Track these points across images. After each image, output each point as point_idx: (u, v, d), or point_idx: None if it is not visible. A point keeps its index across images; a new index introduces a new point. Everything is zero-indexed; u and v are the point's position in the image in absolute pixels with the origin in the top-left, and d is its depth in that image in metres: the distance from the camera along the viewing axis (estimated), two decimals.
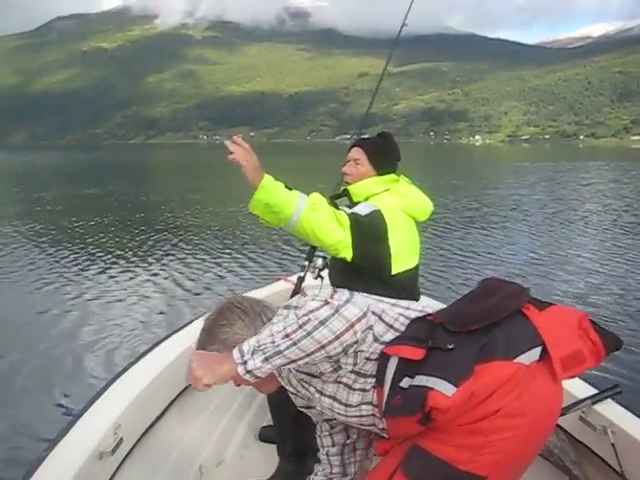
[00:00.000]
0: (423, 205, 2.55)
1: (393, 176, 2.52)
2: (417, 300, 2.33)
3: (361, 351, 1.43)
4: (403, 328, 1.45)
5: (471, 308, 1.40)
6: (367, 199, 2.44)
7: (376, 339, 1.43)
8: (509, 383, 1.28)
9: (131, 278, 8.66)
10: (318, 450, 1.90)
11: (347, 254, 2.21)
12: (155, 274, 8.88)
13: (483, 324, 1.34)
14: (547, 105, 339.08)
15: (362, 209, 2.31)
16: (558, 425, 2.12)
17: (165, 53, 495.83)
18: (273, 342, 1.31)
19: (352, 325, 1.29)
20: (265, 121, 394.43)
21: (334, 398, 1.52)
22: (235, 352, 1.35)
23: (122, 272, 9.03)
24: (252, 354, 1.32)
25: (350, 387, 1.48)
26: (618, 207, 17.15)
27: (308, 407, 1.75)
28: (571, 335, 1.37)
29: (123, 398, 2.15)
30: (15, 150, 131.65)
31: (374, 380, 1.43)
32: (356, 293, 1.37)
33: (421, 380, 1.28)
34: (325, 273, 2.77)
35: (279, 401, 2.29)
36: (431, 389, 1.25)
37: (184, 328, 2.90)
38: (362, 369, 1.45)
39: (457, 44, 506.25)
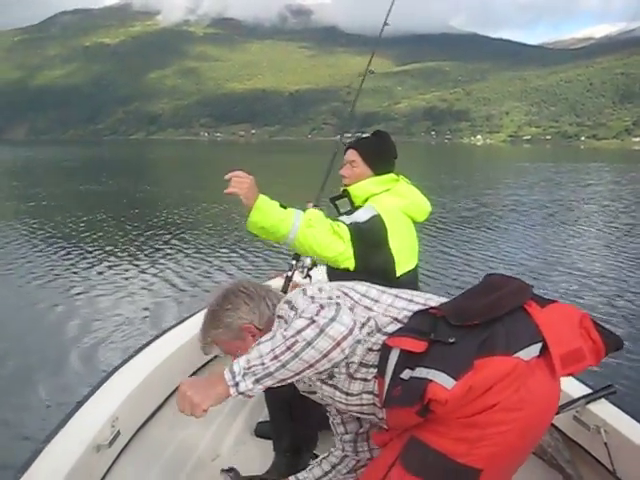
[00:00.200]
0: (422, 206, 2.56)
1: (392, 176, 2.53)
2: None
3: (352, 362, 1.48)
4: (406, 320, 1.48)
5: (474, 303, 1.41)
6: (367, 199, 2.45)
7: (379, 330, 1.46)
8: (508, 378, 1.29)
9: (125, 274, 8.62)
10: (314, 446, 1.94)
11: (349, 264, 2.24)
12: (149, 270, 8.84)
13: (485, 319, 1.35)
14: (549, 106, 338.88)
15: (361, 215, 2.32)
16: (552, 424, 2.13)
17: (167, 49, 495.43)
18: (263, 364, 1.32)
19: (338, 343, 1.30)
20: (266, 119, 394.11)
21: (335, 387, 1.55)
22: (226, 373, 1.36)
23: (116, 268, 9.00)
24: (243, 376, 1.33)
25: (352, 376, 1.50)
26: (615, 209, 17.11)
27: (310, 392, 1.75)
28: (572, 333, 1.38)
29: (121, 391, 2.16)
30: (16, 145, 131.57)
31: (376, 370, 1.46)
32: (343, 306, 1.36)
33: (421, 372, 1.30)
34: (314, 272, 2.74)
35: (275, 397, 2.31)
36: (431, 381, 1.26)
37: (182, 323, 2.91)
38: (364, 359, 1.48)
39: (459, 44, 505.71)
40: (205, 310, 1.74)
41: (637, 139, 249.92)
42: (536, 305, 1.42)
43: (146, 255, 9.96)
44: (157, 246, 10.79)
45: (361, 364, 1.47)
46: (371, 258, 2.17)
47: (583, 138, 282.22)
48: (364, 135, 2.69)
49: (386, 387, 1.40)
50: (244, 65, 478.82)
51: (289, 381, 1.36)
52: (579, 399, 2.09)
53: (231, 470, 1.78)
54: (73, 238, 11.58)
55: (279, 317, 1.55)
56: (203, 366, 2.82)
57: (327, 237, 2.18)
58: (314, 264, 2.82)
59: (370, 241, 2.27)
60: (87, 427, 1.93)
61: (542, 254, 10.35)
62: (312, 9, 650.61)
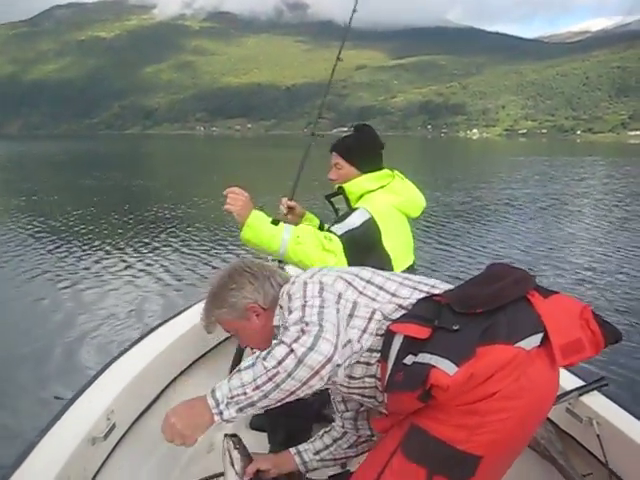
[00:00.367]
0: (416, 202, 2.58)
1: (387, 171, 2.53)
2: None
3: (334, 382, 1.50)
4: (411, 307, 1.49)
5: (478, 291, 1.42)
6: (362, 196, 2.47)
7: (385, 317, 1.48)
8: (508, 367, 1.31)
9: (113, 268, 8.59)
10: (309, 439, 1.92)
11: None
12: (137, 265, 8.80)
13: (488, 308, 1.37)
14: (545, 100, 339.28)
15: (355, 221, 2.34)
16: None
17: (162, 43, 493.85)
18: (245, 393, 1.34)
19: (317, 372, 1.31)
20: (262, 113, 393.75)
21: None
22: (210, 400, 1.38)
23: (105, 262, 8.96)
24: (227, 405, 1.36)
25: (355, 360, 1.51)
26: (609, 202, 17.10)
27: None
28: (572, 324, 1.40)
29: (116, 384, 2.17)
30: (9, 140, 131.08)
31: (379, 355, 1.47)
32: (326, 327, 1.35)
33: (424, 358, 1.31)
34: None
35: None
36: (433, 367, 1.28)
37: (178, 315, 2.93)
38: (367, 344, 1.49)
39: (455, 37, 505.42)
40: (208, 290, 1.72)
41: (633, 133, 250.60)
42: (539, 295, 1.44)
43: (135, 250, 9.91)
44: (146, 240, 10.73)
45: (367, 349, 1.49)
46: (366, 261, 2.10)
47: (579, 132, 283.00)
48: (345, 135, 2.67)
49: (388, 372, 1.41)
50: (240, 59, 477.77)
51: (272, 406, 1.37)
52: (572, 391, 2.12)
53: (234, 435, 1.79)
54: (63, 232, 11.53)
55: (280, 307, 1.56)
56: (199, 359, 2.82)
57: (317, 253, 2.21)
58: None
59: (364, 244, 2.29)
60: (82, 420, 1.93)
61: (534, 248, 10.32)
62: (308, 3, 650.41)
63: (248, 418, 2.73)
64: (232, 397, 1.35)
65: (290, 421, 2.28)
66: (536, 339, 1.35)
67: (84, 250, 9.85)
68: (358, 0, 3.20)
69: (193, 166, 34.74)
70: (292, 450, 1.91)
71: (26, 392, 4.63)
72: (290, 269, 2.83)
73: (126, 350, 2.49)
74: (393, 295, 1.53)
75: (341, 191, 2.55)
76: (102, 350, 5.37)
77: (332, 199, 2.64)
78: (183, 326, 2.74)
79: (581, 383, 2.18)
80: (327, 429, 1.93)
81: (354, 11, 3.34)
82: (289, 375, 1.30)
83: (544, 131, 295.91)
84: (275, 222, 2.24)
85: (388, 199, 2.45)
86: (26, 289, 7.50)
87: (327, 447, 1.88)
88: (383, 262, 2.33)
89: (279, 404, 1.38)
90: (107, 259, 9.19)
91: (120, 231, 11.84)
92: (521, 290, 1.43)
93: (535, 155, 52.39)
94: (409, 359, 1.35)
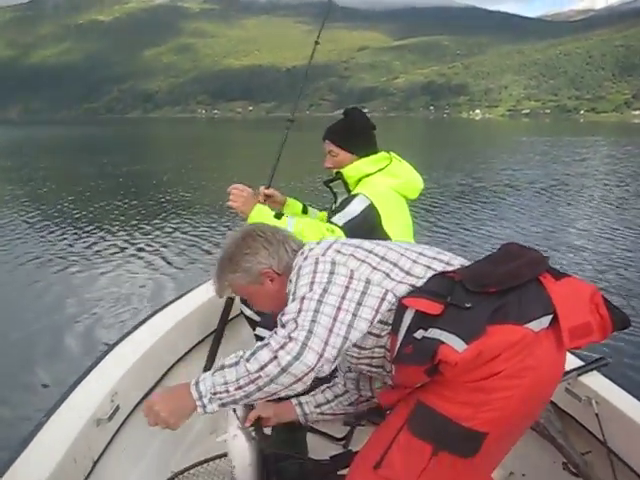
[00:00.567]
0: (415, 184, 2.60)
1: (384, 154, 2.55)
2: None
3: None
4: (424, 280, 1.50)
5: (492, 270, 1.43)
6: (360, 180, 2.49)
7: (396, 297, 1.48)
8: (516, 347, 1.32)
9: (121, 252, 8.68)
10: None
11: None
12: (145, 248, 8.89)
13: (501, 288, 1.38)
14: (548, 79, 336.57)
15: (355, 209, 2.37)
16: None
17: (162, 26, 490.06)
18: (227, 391, 1.38)
19: (300, 379, 1.34)
20: (263, 95, 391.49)
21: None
22: (193, 391, 1.42)
23: (112, 246, 9.05)
24: (210, 400, 1.40)
25: (367, 332, 1.52)
26: (609, 182, 17.11)
27: None
28: (582, 307, 1.40)
29: (120, 366, 2.20)
30: (9, 125, 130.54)
31: (390, 328, 1.48)
32: (316, 331, 1.36)
33: (434, 333, 1.32)
34: None
35: None
36: (443, 343, 1.29)
37: (181, 298, 2.95)
38: (381, 317, 1.50)
39: (458, 17, 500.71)
40: (220, 254, 1.73)
41: (636, 112, 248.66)
42: (551, 277, 1.45)
43: (142, 233, 10.00)
44: (153, 224, 10.81)
45: (380, 320, 1.49)
46: None
47: (582, 112, 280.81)
48: (334, 122, 2.66)
49: (398, 344, 1.43)
50: (240, 41, 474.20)
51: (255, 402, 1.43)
52: (571, 371, 2.15)
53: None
54: (68, 217, 11.61)
55: (290, 280, 1.55)
56: (202, 341, 2.83)
57: None
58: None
59: (365, 230, 2.28)
60: (87, 402, 1.96)
61: (534, 228, 10.39)
62: None
63: None
64: (215, 393, 1.39)
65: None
66: (545, 321, 1.36)
67: (90, 234, 9.93)
68: None
69: (194, 150, 34.68)
70: (293, 400, 1.93)
71: (36, 377, 4.64)
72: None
73: (129, 333, 2.51)
74: (407, 273, 1.52)
75: (339, 176, 2.56)
76: (111, 334, 5.38)
77: (331, 184, 2.64)
78: (186, 309, 2.76)
79: (581, 363, 2.21)
80: (330, 384, 1.94)
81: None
82: (272, 380, 1.33)
83: (547, 111, 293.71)
84: (278, 216, 2.25)
85: (387, 182, 2.47)
86: (33, 275, 7.57)
87: (328, 402, 1.90)
88: None
89: (262, 401, 1.43)
90: (114, 243, 9.26)
91: (126, 215, 11.91)
92: (534, 272, 1.44)
93: (537, 136, 52.13)
94: (419, 333, 1.36)
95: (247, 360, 1.37)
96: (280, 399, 1.68)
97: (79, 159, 26.60)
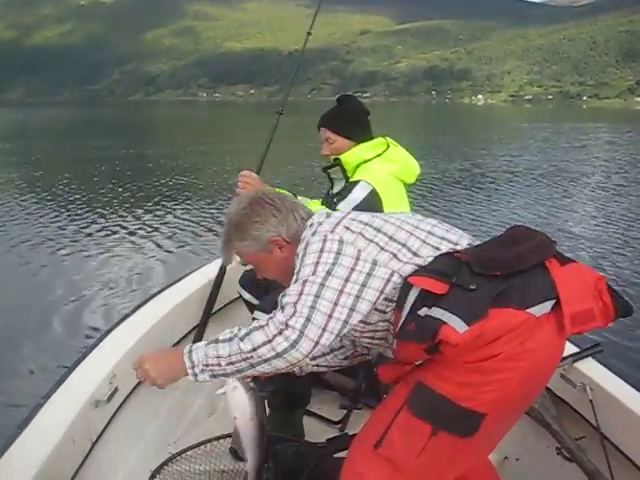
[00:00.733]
0: (412, 168, 2.62)
1: (380, 140, 2.56)
2: None
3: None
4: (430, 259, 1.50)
5: (498, 254, 1.43)
6: (359, 166, 2.51)
7: (402, 277, 1.48)
8: (516, 330, 1.33)
9: (114, 235, 8.68)
10: (307, 402, 2.01)
11: None
12: (139, 232, 8.88)
13: (507, 271, 1.38)
14: (551, 65, 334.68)
15: (358, 196, 2.39)
16: None
17: (164, 8, 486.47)
18: (219, 365, 1.40)
19: (293, 364, 1.38)
20: (265, 78, 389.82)
21: None
22: (186, 359, 1.44)
23: (105, 229, 9.05)
24: (201, 371, 1.43)
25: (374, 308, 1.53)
26: (608, 169, 17.05)
27: None
28: (586, 293, 1.40)
29: (119, 348, 2.21)
30: (10, 106, 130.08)
31: (394, 304, 1.49)
32: (313, 323, 1.36)
33: (437, 312, 1.33)
34: None
35: None
36: (445, 323, 1.30)
37: (179, 281, 2.95)
38: (387, 295, 1.50)
39: (461, 1, 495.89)
40: (226, 220, 1.69)
41: None
42: (556, 262, 1.45)
43: (136, 217, 9.98)
44: (147, 207, 10.80)
45: (384, 298, 1.50)
46: None
47: (585, 98, 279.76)
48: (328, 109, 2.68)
49: (402, 320, 1.43)
50: (242, 24, 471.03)
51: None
52: (567, 357, 2.16)
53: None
54: (62, 200, 11.58)
55: (297, 254, 1.54)
56: (200, 324, 2.83)
57: None
58: None
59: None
60: (86, 383, 1.98)
61: (533, 215, 10.36)
62: None
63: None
64: (207, 365, 1.42)
65: (290, 385, 2.31)
66: (548, 305, 1.37)
67: (85, 217, 9.92)
68: None
69: (193, 133, 34.55)
70: None
71: (23, 362, 4.62)
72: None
73: (128, 315, 2.53)
74: (415, 254, 1.51)
75: (337, 162, 2.56)
76: (102, 318, 5.42)
77: (329, 170, 2.65)
78: (184, 292, 2.78)
79: (576, 349, 2.22)
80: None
81: None
82: (265, 361, 1.36)
83: (550, 97, 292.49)
84: None
85: (385, 167, 2.49)
86: (26, 256, 7.57)
87: (323, 355, 1.88)
88: None
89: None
90: (108, 226, 9.25)
91: (121, 198, 11.90)
92: (541, 256, 1.44)
93: (539, 122, 51.88)
94: (423, 311, 1.37)
95: (241, 339, 1.39)
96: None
97: (77, 142, 26.45)
